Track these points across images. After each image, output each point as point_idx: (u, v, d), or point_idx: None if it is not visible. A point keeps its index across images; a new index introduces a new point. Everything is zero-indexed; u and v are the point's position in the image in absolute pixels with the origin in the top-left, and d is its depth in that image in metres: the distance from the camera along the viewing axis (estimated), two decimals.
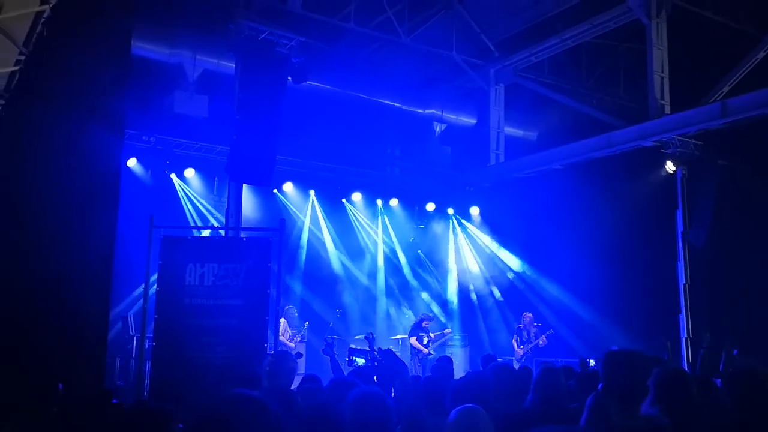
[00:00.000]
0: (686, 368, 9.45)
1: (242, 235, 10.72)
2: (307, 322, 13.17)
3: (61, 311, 6.94)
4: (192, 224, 13.27)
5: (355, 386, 4.16)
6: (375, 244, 16.15)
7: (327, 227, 15.35)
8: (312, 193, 15.06)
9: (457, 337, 14.91)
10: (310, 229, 15.10)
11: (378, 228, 16.11)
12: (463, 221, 16.56)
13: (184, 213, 13.19)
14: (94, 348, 7.15)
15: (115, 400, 4.31)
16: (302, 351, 12.02)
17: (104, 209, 7.41)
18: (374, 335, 7.40)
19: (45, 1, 7.09)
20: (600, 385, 3.56)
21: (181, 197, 13.50)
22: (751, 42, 11.35)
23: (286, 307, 12.50)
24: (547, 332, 12.96)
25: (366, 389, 3.66)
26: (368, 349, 7.88)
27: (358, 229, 15.93)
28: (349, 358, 7.89)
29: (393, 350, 7.84)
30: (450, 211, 16.65)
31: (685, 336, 11.71)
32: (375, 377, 6.36)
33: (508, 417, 4.18)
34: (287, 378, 4.89)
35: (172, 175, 13.36)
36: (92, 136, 7.31)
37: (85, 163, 7.35)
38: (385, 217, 16.24)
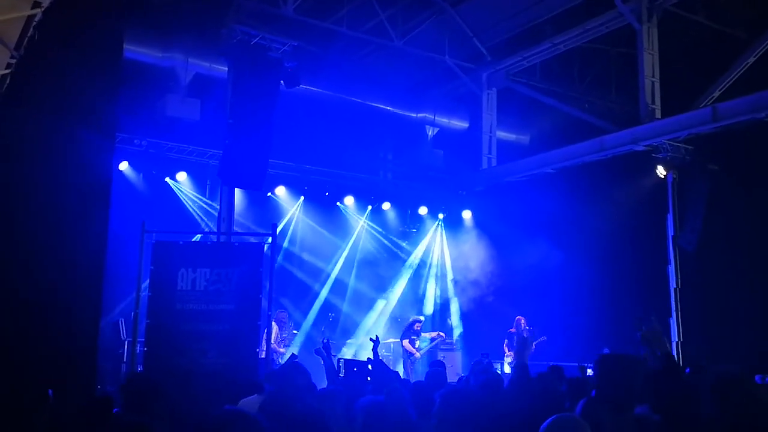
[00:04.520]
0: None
1: (234, 240, 10.71)
2: (295, 331, 13.22)
3: (53, 316, 6.92)
4: (199, 225, 13.27)
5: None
6: (368, 247, 16.16)
7: (318, 231, 15.35)
8: (301, 199, 15.05)
9: (450, 340, 14.91)
10: (300, 232, 15.11)
11: (364, 231, 16.13)
12: (453, 225, 16.59)
13: (176, 217, 13.13)
14: (85, 353, 7.12)
15: (116, 410, 4.27)
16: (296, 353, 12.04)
17: (96, 213, 7.40)
18: (378, 339, 7.39)
19: (37, 5, 7.07)
20: (593, 392, 3.55)
21: (183, 200, 13.48)
22: (741, 47, 11.41)
23: (278, 312, 12.48)
24: (539, 339, 12.97)
25: (377, 399, 3.66)
26: (371, 352, 7.86)
27: (350, 232, 15.93)
28: (345, 369, 7.87)
29: (382, 360, 7.80)
30: (440, 216, 16.69)
31: (676, 339, 11.75)
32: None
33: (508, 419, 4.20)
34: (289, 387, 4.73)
35: (167, 179, 13.34)
36: (84, 140, 7.29)
37: (77, 166, 7.34)
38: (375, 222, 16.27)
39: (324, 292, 15.19)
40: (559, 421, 2.98)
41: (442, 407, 3.65)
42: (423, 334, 13.71)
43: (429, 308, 16.20)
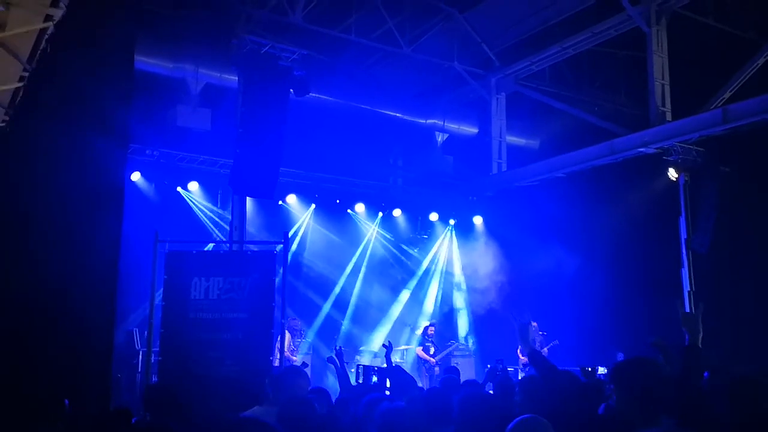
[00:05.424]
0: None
1: (246, 248, 10.74)
2: (299, 340, 13.25)
3: (67, 326, 6.97)
4: (211, 235, 13.34)
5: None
6: (380, 254, 16.17)
7: (329, 238, 15.38)
8: (312, 206, 15.09)
9: (463, 346, 14.88)
10: (311, 240, 15.16)
11: (376, 238, 16.16)
12: (464, 230, 16.58)
13: (188, 227, 13.20)
14: (100, 363, 7.17)
15: (135, 419, 4.29)
16: (308, 362, 12.05)
17: (109, 223, 7.46)
18: (391, 345, 7.40)
19: (49, 18, 7.14)
20: (611, 398, 3.51)
21: (195, 210, 13.56)
22: (751, 48, 11.37)
23: (290, 320, 12.49)
24: (551, 343, 12.94)
25: (394, 405, 3.66)
26: (384, 359, 7.89)
27: (362, 239, 15.95)
28: (364, 375, 7.89)
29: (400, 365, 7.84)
30: (451, 222, 16.69)
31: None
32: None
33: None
34: (296, 393, 4.77)
35: (179, 189, 13.41)
36: (97, 151, 7.36)
37: (90, 177, 7.41)
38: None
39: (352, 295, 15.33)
40: (524, 423, 2.99)
41: (461, 412, 3.64)
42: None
43: (463, 318, 16.18)
